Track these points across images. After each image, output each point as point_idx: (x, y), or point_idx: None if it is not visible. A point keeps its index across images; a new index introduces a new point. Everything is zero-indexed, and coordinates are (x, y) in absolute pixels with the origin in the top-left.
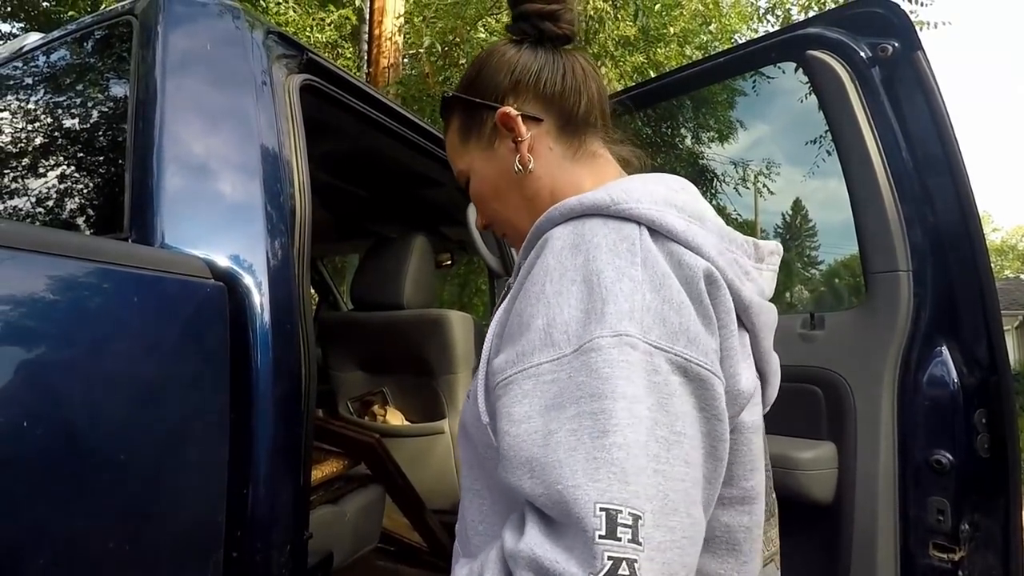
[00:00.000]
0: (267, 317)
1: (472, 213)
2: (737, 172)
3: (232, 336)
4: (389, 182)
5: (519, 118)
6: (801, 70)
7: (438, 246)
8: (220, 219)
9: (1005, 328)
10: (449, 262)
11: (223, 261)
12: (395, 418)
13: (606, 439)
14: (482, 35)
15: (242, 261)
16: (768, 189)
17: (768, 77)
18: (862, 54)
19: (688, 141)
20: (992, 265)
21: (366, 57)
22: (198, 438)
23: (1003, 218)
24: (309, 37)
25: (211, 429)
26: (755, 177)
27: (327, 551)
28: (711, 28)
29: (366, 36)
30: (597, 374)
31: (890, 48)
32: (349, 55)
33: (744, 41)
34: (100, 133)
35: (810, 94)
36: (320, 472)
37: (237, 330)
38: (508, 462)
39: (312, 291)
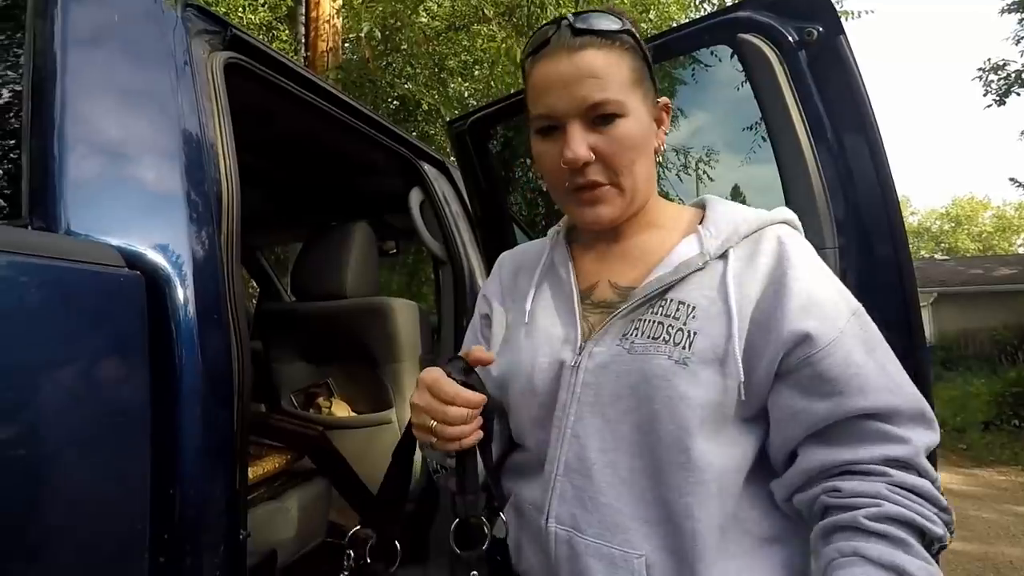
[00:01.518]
0: (191, 308)
1: (415, 198)
2: (679, 159)
3: (151, 328)
4: (329, 169)
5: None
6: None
7: (382, 234)
8: (136, 206)
9: (922, 304)
10: (394, 250)
11: (140, 250)
12: (341, 409)
13: (899, 364)
14: (424, 19)
15: (161, 249)
16: (708, 176)
17: (705, 65)
18: (790, 38)
19: None
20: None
21: (303, 40)
22: (113, 437)
23: (920, 202)
24: (241, 18)
25: (128, 427)
26: (696, 164)
27: (270, 550)
28: (651, 16)
29: (303, 18)
30: (872, 326)
31: (815, 32)
32: (285, 38)
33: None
34: None
35: (746, 82)
36: (260, 468)
37: (157, 322)
38: (867, 392)
39: (252, 282)
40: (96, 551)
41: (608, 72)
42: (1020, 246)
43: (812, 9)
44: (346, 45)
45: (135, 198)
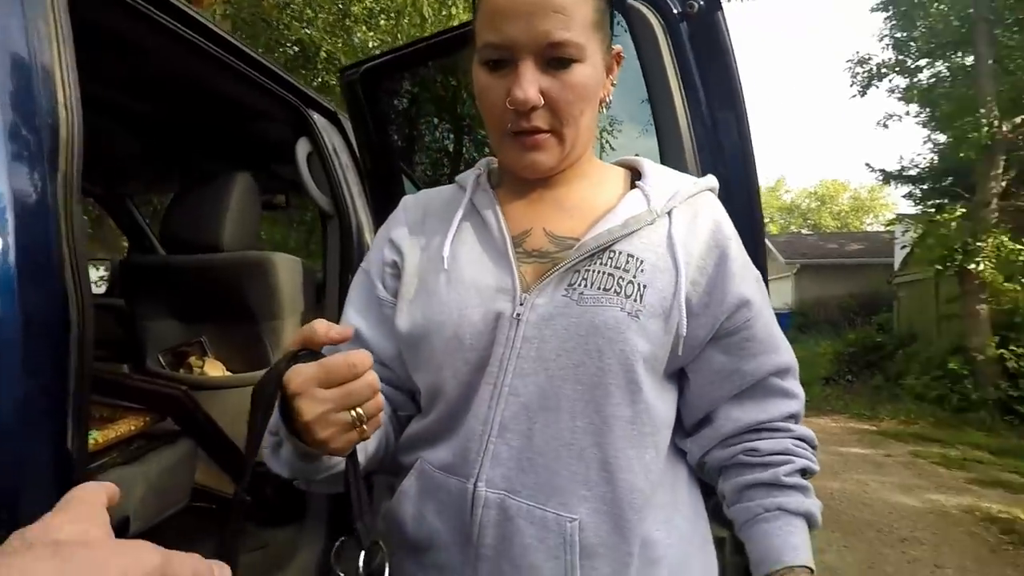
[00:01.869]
0: (11, 255)
1: (302, 148)
2: None
3: None
4: (208, 113)
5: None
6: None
7: (271, 186)
8: None
9: (788, 274)
10: (284, 204)
11: None
12: (215, 369)
13: None
14: None
15: None
16: (611, 146)
17: (613, 35)
18: (674, 9)
19: None
20: (782, 222)
21: None
22: None
23: (793, 182)
24: None
25: None
26: (600, 134)
27: (123, 516)
28: None
29: None
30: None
31: (696, 6)
32: None
33: None
34: None
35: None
36: (113, 432)
37: None
38: (779, 351)
39: (121, 234)
40: None
41: (574, 9)
42: (869, 224)
43: None
44: None
45: None
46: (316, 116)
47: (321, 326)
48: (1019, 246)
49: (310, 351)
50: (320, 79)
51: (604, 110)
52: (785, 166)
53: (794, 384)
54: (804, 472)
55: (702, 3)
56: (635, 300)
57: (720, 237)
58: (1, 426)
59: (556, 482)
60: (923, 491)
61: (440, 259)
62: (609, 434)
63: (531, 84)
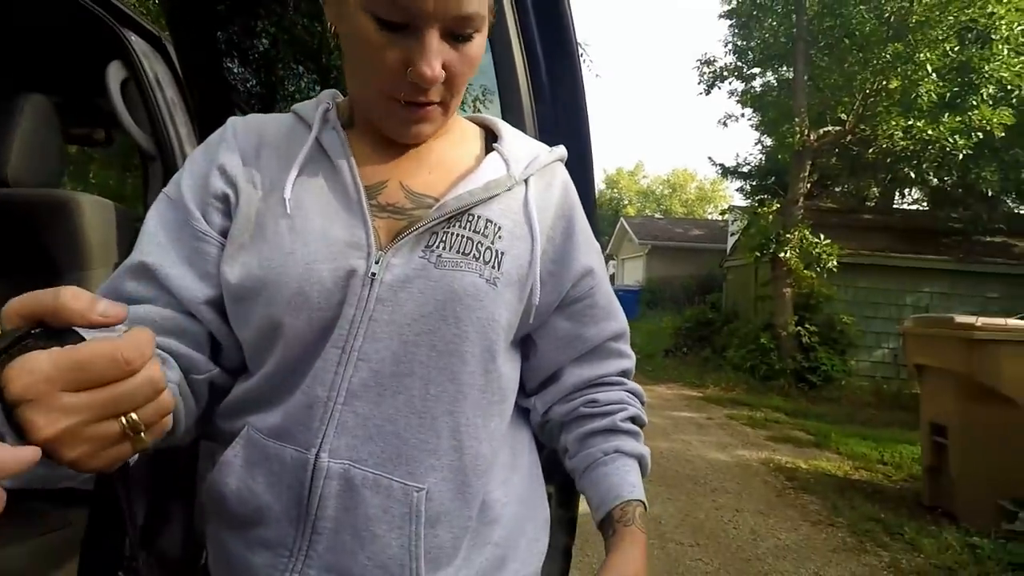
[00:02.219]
0: None
1: (115, 74)
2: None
3: None
4: None
5: None
6: None
7: (83, 118)
8: None
9: (640, 254)
10: (104, 139)
11: None
12: None
13: None
14: None
15: None
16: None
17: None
18: None
19: None
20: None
21: None
22: None
23: (651, 168)
24: None
25: None
26: (473, 102)
27: None
28: None
29: None
30: None
31: None
32: None
33: None
34: None
35: None
36: None
37: None
38: (617, 317)
39: None
40: None
41: None
42: (710, 213)
43: None
44: None
45: None
46: (134, 38)
47: (79, 298)
48: (816, 240)
49: (48, 329)
50: None
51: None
52: (644, 151)
53: (627, 346)
54: (635, 420)
55: None
56: (493, 267)
57: (567, 207)
58: None
59: (405, 451)
60: (733, 448)
61: (282, 202)
62: (463, 402)
63: (437, 59)
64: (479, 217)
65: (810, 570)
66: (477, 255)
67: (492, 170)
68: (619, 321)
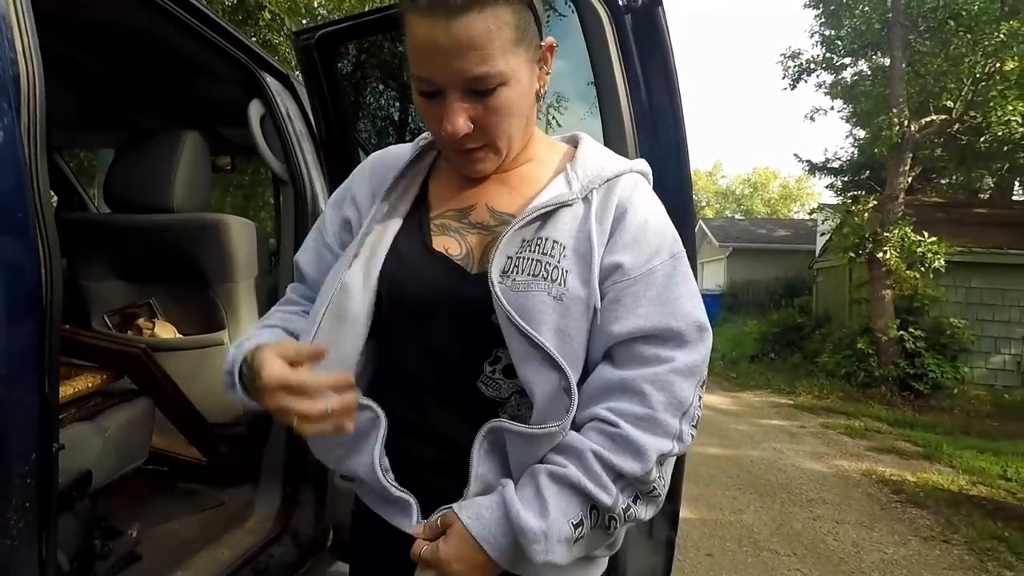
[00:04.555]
0: None
1: (256, 111)
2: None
3: None
4: (150, 67)
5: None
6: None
7: (216, 148)
8: None
9: (720, 257)
10: (230, 167)
11: None
12: (165, 331)
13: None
14: None
15: None
16: (557, 122)
17: (560, 14)
18: (620, 2)
19: None
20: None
21: None
22: None
23: (730, 168)
24: None
25: None
26: (547, 109)
27: (84, 470)
28: None
29: None
30: (685, 268)
31: (640, 0)
32: None
33: None
34: None
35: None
36: (70, 388)
37: None
38: (654, 315)
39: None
40: None
41: (488, 40)
42: (796, 212)
43: None
44: None
45: None
46: (269, 79)
47: (289, 349)
48: (919, 238)
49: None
50: (261, 37)
51: (541, 98)
52: (722, 151)
53: (667, 351)
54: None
55: None
56: (560, 284)
57: (620, 212)
58: None
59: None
60: (830, 458)
61: (397, 224)
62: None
63: (458, 116)
64: (546, 239)
65: None
66: (545, 275)
67: (554, 191)
68: (648, 319)
